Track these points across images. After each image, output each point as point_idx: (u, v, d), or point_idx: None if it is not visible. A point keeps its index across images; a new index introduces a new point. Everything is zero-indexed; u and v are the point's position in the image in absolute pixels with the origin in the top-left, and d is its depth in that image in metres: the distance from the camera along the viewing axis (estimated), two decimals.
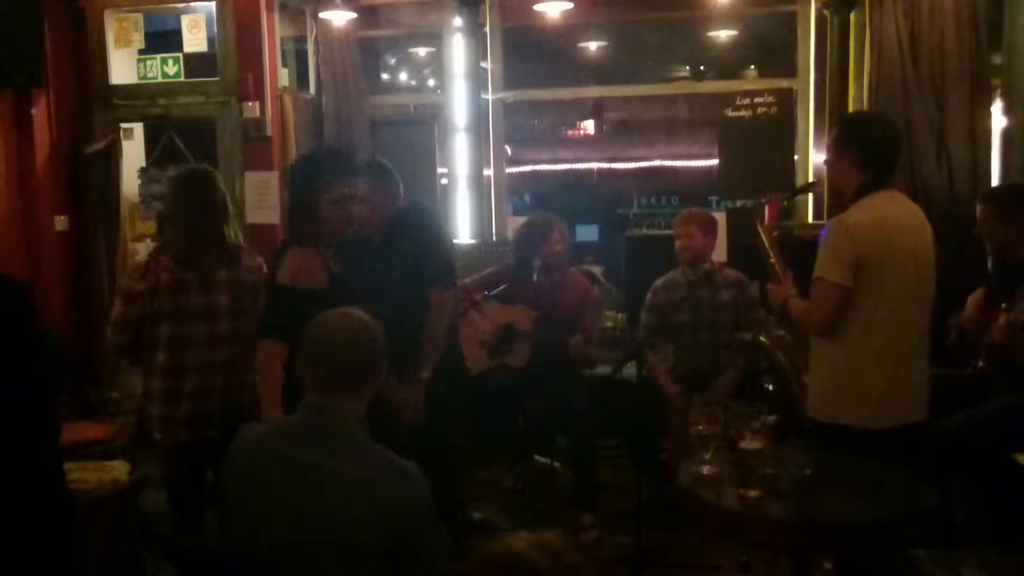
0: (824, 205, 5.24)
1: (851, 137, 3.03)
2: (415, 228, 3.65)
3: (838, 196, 4.12)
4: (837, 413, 2.97)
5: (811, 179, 5.44)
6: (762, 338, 3.52)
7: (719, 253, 4.64)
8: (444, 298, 3.59)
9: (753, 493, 2.49)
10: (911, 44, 4.99)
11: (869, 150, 2.98)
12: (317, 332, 2.17)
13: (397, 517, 1.98)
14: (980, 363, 3.82)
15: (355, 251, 3.56)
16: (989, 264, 4.52)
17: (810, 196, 5.49)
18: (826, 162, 3.20)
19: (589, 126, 9.84)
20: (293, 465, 2.05)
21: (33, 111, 5.39)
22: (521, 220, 5.05)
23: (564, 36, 7.11)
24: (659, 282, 4.42)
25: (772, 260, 3.19)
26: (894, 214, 2.97)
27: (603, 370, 4.63)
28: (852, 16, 5.20)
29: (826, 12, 5.29)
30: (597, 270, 5.62)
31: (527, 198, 9.23)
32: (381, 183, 3.67)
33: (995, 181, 5.00)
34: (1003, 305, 3.59)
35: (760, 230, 3.33)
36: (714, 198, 7.62)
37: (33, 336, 1.75)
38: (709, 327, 4.29)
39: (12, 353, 1.69)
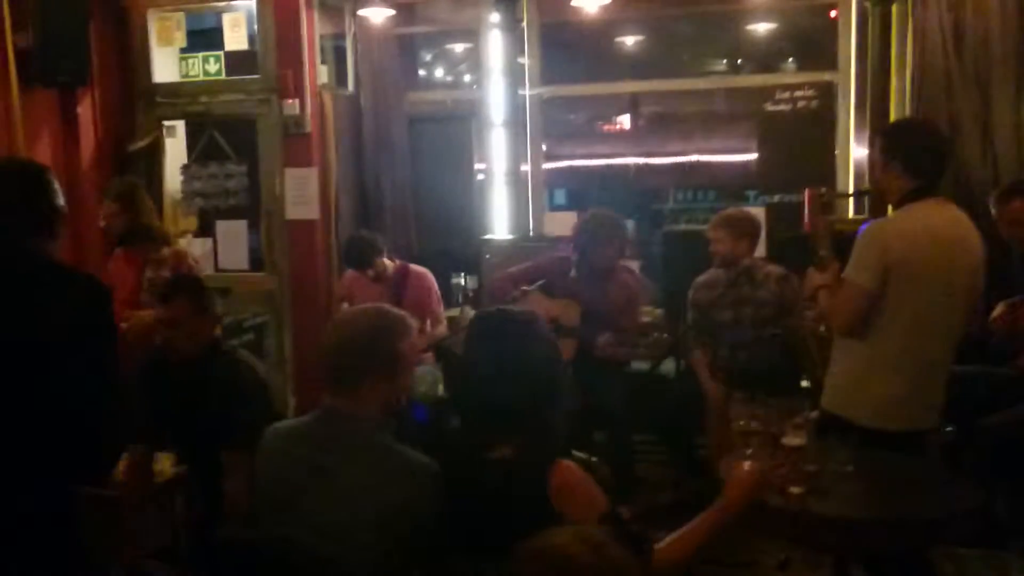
0: (865, 202, 5.18)
1: (897, 145, 3.01)
2: (222, 376, 3.14)
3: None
4: (844, 408, 2.98)
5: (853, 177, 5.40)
6: (800, 331, 3.51)
7: (758, 248, 4.61)
8: (236, 460, 2.89)
9: (795, 490, 2.48)
10: (955, 36, 4.91)
11: (915, 158, 2.95)
12: (328, 331, 2.23)
13: (404, 517, 2.00)
14: (1020, 361, 3.77)
15: (154, 373, 3.27)
16: None
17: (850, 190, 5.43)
18: (873, 175, 3.18)
19: (625, 121, 9.78)
20: (307, 466, 2.09)
21: (79, 110, 5.48)
22: (558, 216, 5.05)
23: (601, 31, 7.08)
24: (700, 279, 4.41)
25: (823, 252, 3.18)
26: (934, 224, 2.94)
27: (641, 366, 4.63)
28: (894, 8, 5.13)
29: (867, 4, 5.22)
30: (634, 265, 5.61)
31: (556, 193, 9.22)
32: (198, 304, 3.18)
33: None
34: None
35: (817, 219, 3.28)
36: (752, 193, 7.56)
37: (112, 333, 2.00)
38: (751, 323, 4.27)
39: (93, 346, 1.92)
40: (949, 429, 3.89)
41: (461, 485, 2.04)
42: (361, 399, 2.11)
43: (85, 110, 5.54)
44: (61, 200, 2.16)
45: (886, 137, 3.12)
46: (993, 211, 3.94)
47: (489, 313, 2.28)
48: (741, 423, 2.66)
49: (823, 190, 3.36)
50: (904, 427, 2.94)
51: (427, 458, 2.09)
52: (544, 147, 6.40)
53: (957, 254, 2.96)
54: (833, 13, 5.64)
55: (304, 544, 2.04)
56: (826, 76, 5.60)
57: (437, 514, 2.04)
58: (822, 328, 3.59)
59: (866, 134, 5.24)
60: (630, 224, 6.95)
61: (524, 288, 4.44)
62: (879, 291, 2.86)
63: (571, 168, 9.54)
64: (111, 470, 2.10)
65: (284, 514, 2.10)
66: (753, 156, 6.29)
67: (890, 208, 3.14)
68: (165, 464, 3.65)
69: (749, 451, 2.62)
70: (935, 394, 3.01)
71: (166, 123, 5.89)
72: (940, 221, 2.96)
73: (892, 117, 5.18)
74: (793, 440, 2.50)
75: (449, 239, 6.01)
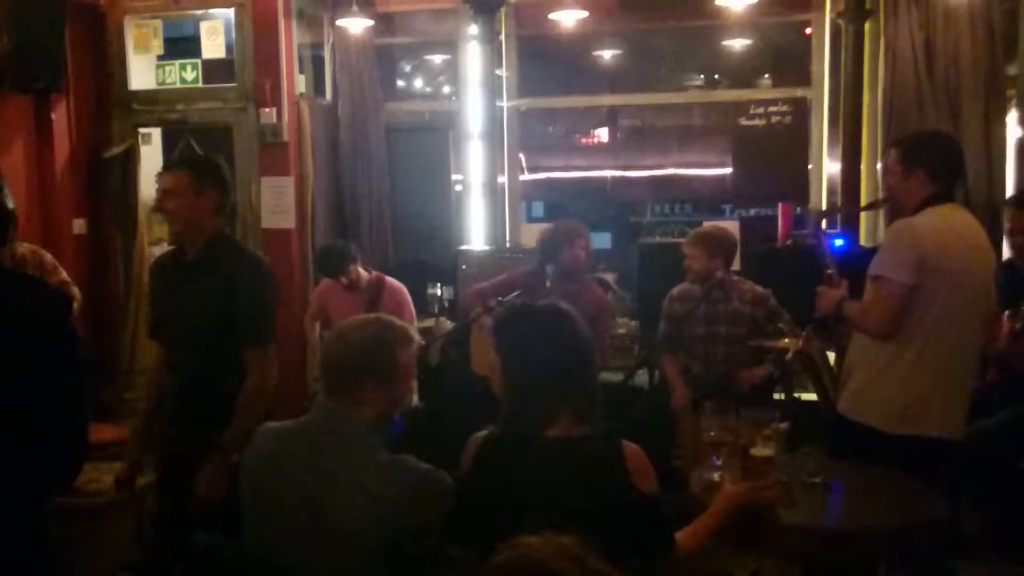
0: (838, 219, 5.24)
1: (919, 153, 3.07)
2: (231, 264, 2.97)
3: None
4: (865, 413, 3.00)
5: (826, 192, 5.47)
6: (808, 349, 3.54)
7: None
8: (261, 360, 2.93)
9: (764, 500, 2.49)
10: (926, 54, 4.99)
11: (937, 165, 3.03)
12: (331, 336, 2.25)
13: (398, 516, 2.01)
14: (988, 374, 3.82)
15: (168, 267, 3.12)
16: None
17: (822, 206, 5.50)
18: (888, 183, 3.23)
19: (603, 134, 9.84)
20: (300, 467, 2.09)
21: (53, 116, 5.45)
22: (535, 227, 5.08)
23: (579, 44, 7.13)
24: (675, 291, 4.43)
25: (831, 271, 3.24)
26: (958, 227, 3.01)
27: (614, 377, 4.64)
28: (867, 26, 5.21)
29: (841, 22, 5.30)
30: (610, 277, 5.63)
31: (535, 206, 9.25)
32: (198, 183, 2.98)
33: (1009, 191, 5.00)
34: (1007, 312, 3.60)
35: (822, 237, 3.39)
36: (727, 206, 7.61)
37: (73, 339, 1.94)
38: (724, 340, 4.28)
39: (53, 353, 1.86)
40: None
41: (518, 470, 2.04)
42: (358, 403, 2.13)
43: (60, 116, 5.51)
44: (11, 203, 2.09)
45: (910, 146, 3.15)
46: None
47: (518, 304, 2.39)
48: (711, 434, 2.68)
49: (834, 204, 3.42)
50: (928, 432, 2.95)
51: (421, 462, 2.11)
52: (524, 159, 6.42)
53: (977, 256, 3.02)
54: (808, 30, 5.72)
55: (303, 547, 2.03)
56: (800, 92, 5.68)
57: (436, 517, 2.06)
58: (817, 341, 3.63)
59: (839, 149, 5.31)
60: (607, 236, 7.01)
61: (499, 299, 4.44)
62: (916, 284, 2.89)
63: (549, 180, 9.59)
64: (73, 480, 2.05)
65: (282, 516, 2.08)
66: (729, 170, 6.34)
67: (882, 219, 3.21)
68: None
69: (718, 461, 2.64)
70: (959, 401, 3.03)
71: (142, 130, 5.87)
72: (961, 224, 3.03)
73: (865, 133, 5.26)
74: (762, 451, 2.52)
75: (426, 250, 6.02)
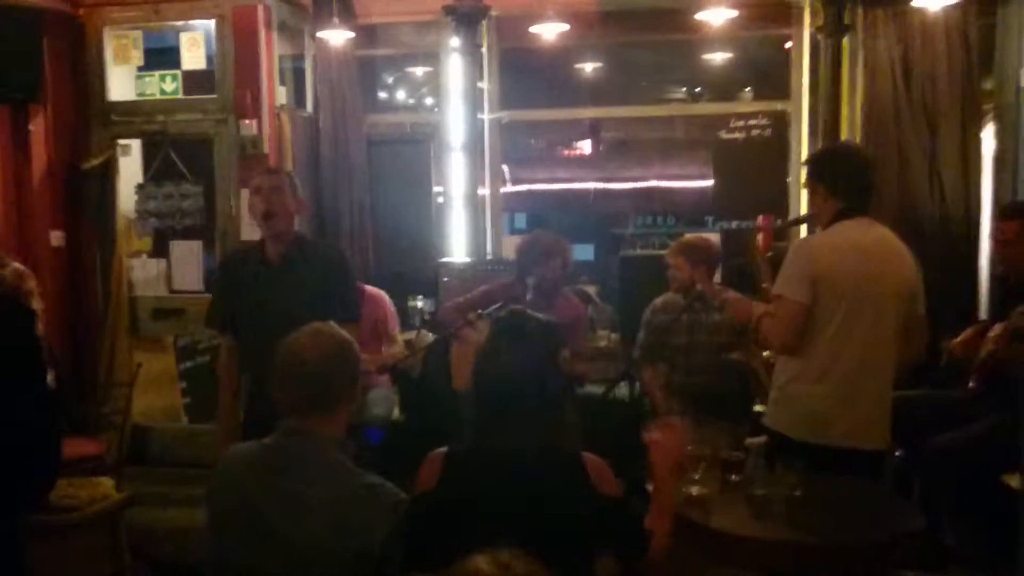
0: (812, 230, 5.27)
1: (820, 170, 3.17)
2: (318, 253, 3.44)
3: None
4: (779, 423, 3.07)
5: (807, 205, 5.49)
6: (750, 361, 3.56)
7: None
8: (355, 334, 3.11)
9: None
10: (903, 69, 5.04)
11: (838, 181, 3.09)
12: (286, 352, 2.14)
13: (373, 542, 1.98)
14: (971, 383, 3.84)
15: (246, 265, 3.41)
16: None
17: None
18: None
19: (585, 146, 9.90)
20: (271, 491, 2.05)
21: (31, 127, 5.41)
22: (517, 239, 5.07)
23: (561, 57, 7.15)
24: (658, 301, 4.45)
25: (765, 285, 3.28)
26: (859, 240, 3.04)
27: (595, 389, 4.63)
28: (845, 40, 5.25)
29: (819, 36, 5.34)
30: (592, 289, 5.64)
31: (517, 217, 9.28)
32: (293, 186, 3.42)
33: (985, 205, 5.04)
34: (992, 325, 3.62)
35: (755, 253, 3.44)
36: (709, 218, 7.65)
37: (36, 356, 1.94)
38: (705, 350, 4.30)
39: (24, 368, 1.86)
40: (898, 453, 3.95)
41: (489, 484, 2.05)
42: (335, 421, 2.11)
43: (38, 127, 5.46)
44: None
45: (811, 162, 3.31)
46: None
47: (510, 312, 2.41)
48: (689, 448, 2.68)
49: (759, 221, 3.50)
50: (841, 444, 2.98)
51: (388, 482, 2.09)
52: (507, 171, 6.42)
53: (883, 269, 3.04)
54: (787, 44, 5.76)
55: (273, 569, 2.01)
56: (779, 105, 5.71)
57: (403, 538, 2.02)
58: (766, 354, 3.66)
59: None
60: (589, 248, 7.03)
61: (480, 312, 4.43)
62: (811, 304, 2.95)
63: (531, 192, 9.62)
64: (47, 494, 2.03)
65: (250, 539, 2.05)
66: (710, 182, 6.38)
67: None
68: (108, 487, 3.59)
69: (697, 475, 2.64)
70: (871, 411, 3.06)
71: (121, 141, 5.82)
72: (867, 238, 3.06)
73: None
74: (736, 456, 2.53)
75: (406, 262, 6.00)
